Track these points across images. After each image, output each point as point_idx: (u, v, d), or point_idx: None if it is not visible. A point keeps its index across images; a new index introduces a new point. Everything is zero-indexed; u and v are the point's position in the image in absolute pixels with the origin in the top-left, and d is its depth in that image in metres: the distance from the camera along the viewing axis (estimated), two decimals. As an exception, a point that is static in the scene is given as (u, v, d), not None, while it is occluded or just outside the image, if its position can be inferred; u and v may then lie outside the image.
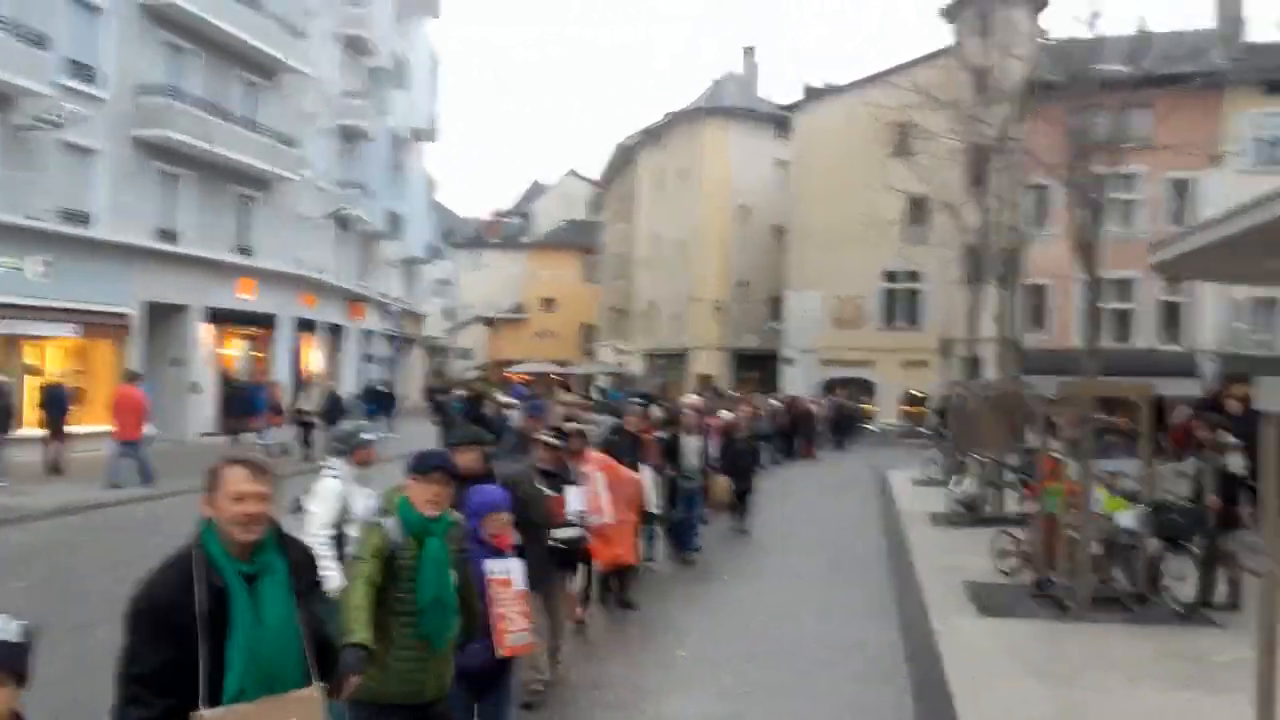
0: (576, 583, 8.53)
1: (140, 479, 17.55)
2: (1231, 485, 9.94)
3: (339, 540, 5.99)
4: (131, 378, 19.48)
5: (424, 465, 4.39)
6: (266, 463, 3.27)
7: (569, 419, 11.52)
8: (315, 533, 5.92)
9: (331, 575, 5.82)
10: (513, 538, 5.29)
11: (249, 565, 3.13)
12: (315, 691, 3.20)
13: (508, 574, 5.10)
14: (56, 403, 19.33)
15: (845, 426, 34.57)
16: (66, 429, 19.55)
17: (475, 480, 6.16)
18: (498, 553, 5.12)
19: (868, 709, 7.32)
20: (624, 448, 10.29)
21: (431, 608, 4.23)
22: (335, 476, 6.17)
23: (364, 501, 6.17)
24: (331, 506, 6.05)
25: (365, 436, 6.44)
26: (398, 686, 4.24)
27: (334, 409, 23.30)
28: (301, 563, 3.40)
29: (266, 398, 24.85)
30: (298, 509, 6.11)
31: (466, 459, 6.17)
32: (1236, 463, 9.94)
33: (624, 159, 57.67)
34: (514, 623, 5.05)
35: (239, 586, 3.08)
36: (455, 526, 4.49)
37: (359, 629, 3.98)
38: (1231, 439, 10.17)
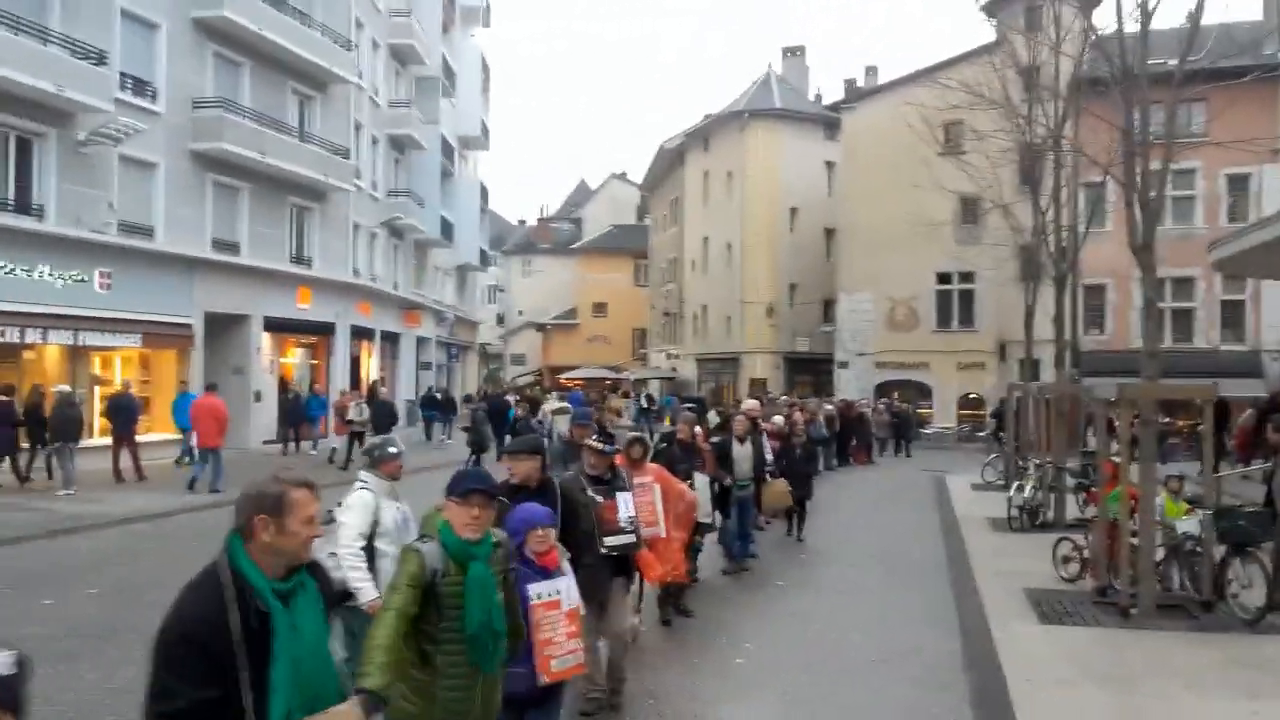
0: (631, 591, 8.31)
1: (210, 486, 18.04)
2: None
3: (369, 552, 6.05)
4: (210, 388, 20.18)
5: (461, 487, 4.19)
6: (314, 480, 3.24)
7: (601, 426, 11.55)
8: (348, 544, 5.97)
9: (363, 587, 5.89)
10: (560, 553, 5.13)
11: (285, 584, 3.06)
12: (355, 706, 3.15)
13: (555, 595, 4.92)
14: (124, 412, 19.82)
15: (905, 431, 34.18)
16: (137, 438, 20.16)
17: (534, 490, 6.09)
18: (543, 572, 4.93)
19: (926, 716, 7.28)
20: (678, 456, 10.26)
21: (480, 634, 4.05)
22: (366, 488, 6.22)
23: (394, 514, 6.21)
24: (363, 518, 6.08)
25: (391, 450, 6.46)
26: (442, 715, 4.09)
27: (384, 418, 23.30)
28: (326, 579, 3.33)
29: (336, 407, 25.25)
30: (329, 520, 6.11)
31: (523, 468, 6.10)
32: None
33: (668, 162, 57.65)
34: (560, 647, 4.88)
35: (279, 607, 3.00)
36: (500, 547, 4.31)
37: (375, 673, 3.63)
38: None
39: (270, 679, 2.91)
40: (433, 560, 4.07)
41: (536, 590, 4.84)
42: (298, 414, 26.57)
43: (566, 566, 5.31)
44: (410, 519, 6.22)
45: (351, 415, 23.79)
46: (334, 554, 5.94)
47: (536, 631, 4.77)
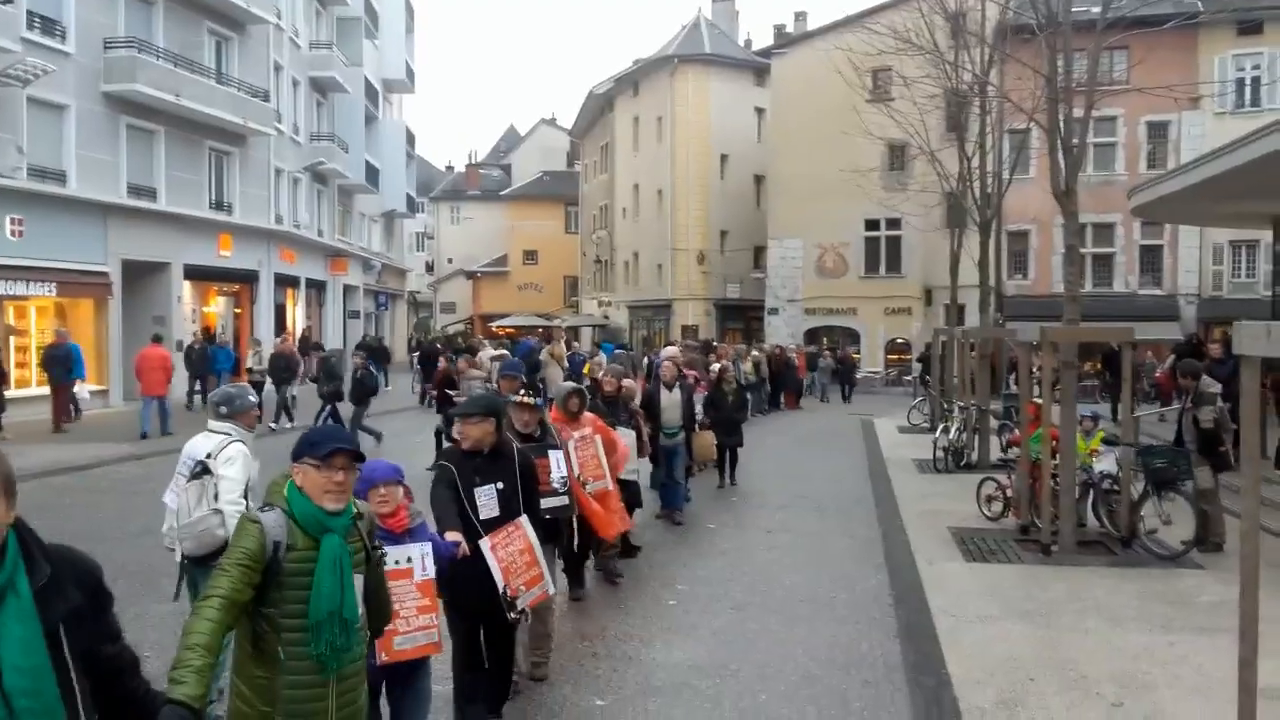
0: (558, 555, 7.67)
1: (140, 432, 18.41)
2: (1210, 431, 10.08)
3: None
4: (156, 339, 20.46)
5: (322, 447, 3.49)
6: None
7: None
8: (233, 501, 5.67)
9: None
10: (411, 515, 4.67)
11: None
12: None
13: (405, 563, 4.47)
14: (61, 362, 19.49)
15: (846, 377, 34.51)
16: (75, 390, 20.28)
17: (486, 455, 5.66)
18: (388, 536, 4.41)
19: (855, 653, 7.41)
20: (601, 409, 9.92)
21: (327, 624, 3.39)
22: (239, 440, 5.92)
23: (256, 466, 5.95)
24: (245, 471, 5.79)
25: (251, 398, 6.24)
26: (287, 718, 3.44)
27: (280, 370, 21.91)
28: (65, 578, 2.56)
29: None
30: (202, 472, 5.83)
31: (475, 432, 5.65)
32: (1205, 415, 10.06)
33: (598, 108, 57.05)
34: (406, 622, 4.42)
35: None
36: (362, 519, 3.68)
37: (188, 678, 2.95)
38: (1213, 386, 10.29)
39: None
40: (275, 532, 3.41)
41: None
42: (202, 365, 25.46)
43: (460, 534, 4.99)
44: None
45: (250, 364, 23.08)
46: (218, 510, 5.70)
47: None
